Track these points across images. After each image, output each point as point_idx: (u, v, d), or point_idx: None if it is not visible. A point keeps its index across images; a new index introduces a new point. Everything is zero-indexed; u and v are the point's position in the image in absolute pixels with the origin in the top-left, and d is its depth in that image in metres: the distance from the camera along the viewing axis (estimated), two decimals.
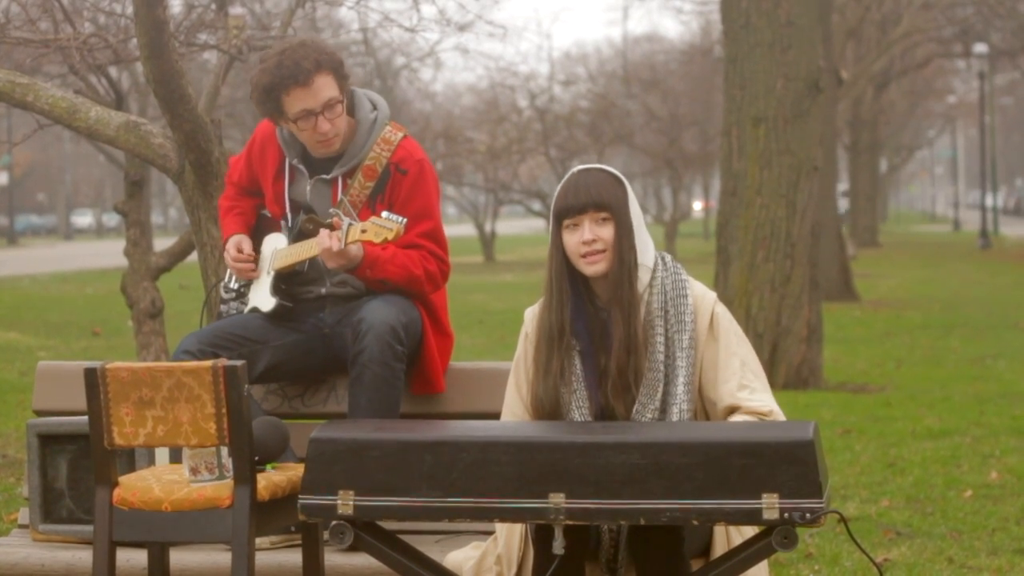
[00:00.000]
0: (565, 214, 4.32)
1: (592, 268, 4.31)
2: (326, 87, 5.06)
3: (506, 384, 4.52)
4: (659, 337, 4.31)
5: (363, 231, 4.91)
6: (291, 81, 5.03)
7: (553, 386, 4.31)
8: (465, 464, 3.91)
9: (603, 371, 4.32)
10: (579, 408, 4.31)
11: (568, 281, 4.35)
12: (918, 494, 8.05)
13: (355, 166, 5.15)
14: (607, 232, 4.30)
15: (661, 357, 4.30)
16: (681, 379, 4.29)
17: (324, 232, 5.02)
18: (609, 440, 3.91)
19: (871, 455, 9.29)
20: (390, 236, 4.87)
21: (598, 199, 4.30)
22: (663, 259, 4.40)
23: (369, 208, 5.12)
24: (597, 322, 4.35)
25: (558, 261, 4.35)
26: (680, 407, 4.28)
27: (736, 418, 4.29)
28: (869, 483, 8.38)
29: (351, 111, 5.20)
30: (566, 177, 4.40)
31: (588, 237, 4.29)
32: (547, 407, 4.33)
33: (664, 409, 4.29)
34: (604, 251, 4.30)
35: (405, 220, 4.93)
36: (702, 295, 4.39)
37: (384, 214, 4.93)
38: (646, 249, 4.36)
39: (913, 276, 29.57)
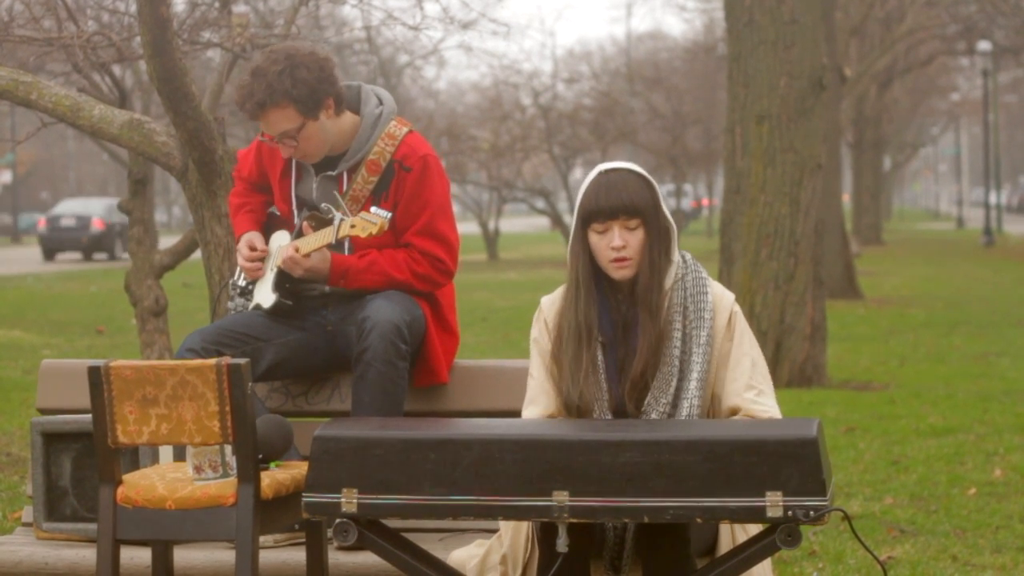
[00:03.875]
0: (594, 217, 4.30)
1: (620, 273, 4.31)
2: (280, 120, 5.05)
3: (510, 382, 4.52)
4: (676, 333, 4.32)
5: (352, 226, 4.93)
6: (243, 111, 5.06)
7: (584, 383, 4.30)
8: (469, 462, 3.91)
9: (622, 364, 4.33)
10: (599, 401, 4.31)
11: (595, 282, 4.35)
12: (922, 492, 8.04)
13: (358, 161, 5.15)
14: (636, 239, 4.29)
15: (677, 352, 4.31)
16: (695, 375, 4.31)
17: (288, 244, 5.06)
18: (613, 438, 3.91)
19: (875, 453, 9.29)
20: (374, 231, 4.88)
21: (630, 205, 4.28)
22: (684, 257, 4.41)
23: (372, 204, 5.12)
24: (619, 315, 4.36)
25: (584, 262, 4.33)
26: (691, 403, 4.30)
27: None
28: (873, 481, 8.38)
29: (356, 108, 5.20)
30: (592, 176, 4.35)
31: (618, 243, 4.29)
32: (575, 402, 4.32)
33: (676, 404, 4.30)
34: (632, 257, 4.30)
35: (390, 215, 4.93)
36: (721, 294, 4.40)
37: (373, 209, 4.95)
38: (675, 247, 4.38)
39: (917, 274, 29.55)
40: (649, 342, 4.29)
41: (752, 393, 4.34)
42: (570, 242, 4.39)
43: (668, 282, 4.34)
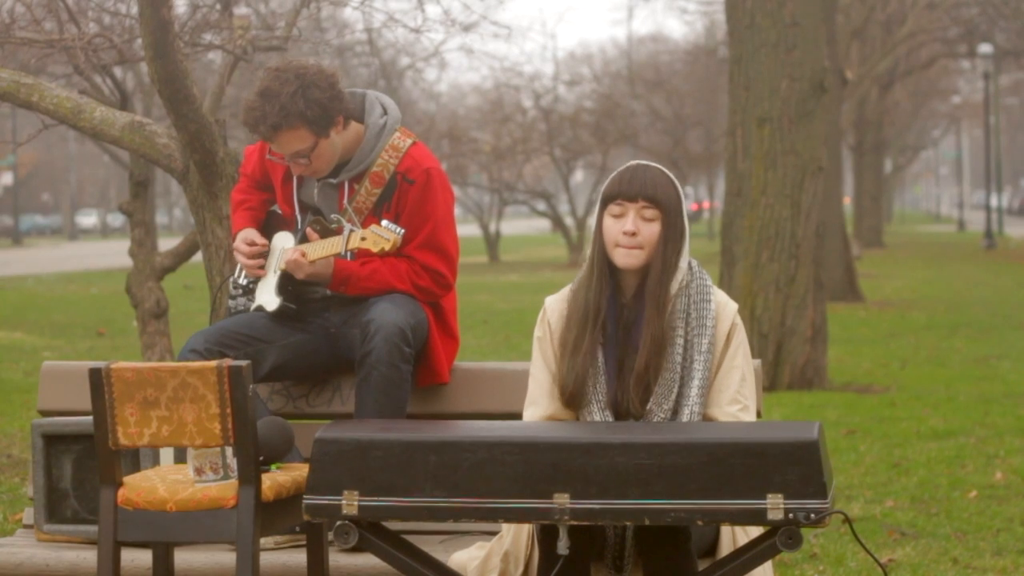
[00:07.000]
0: (614, 197, 4.30)
1: (625, 260, 4.30)
2: (293, 141, 5.03)
3: (511, 385, 4.52)
4: (679, 339, 4.32)
5: (362, 239, 4.92)
6: (255, 133, 5.04)
7: (581, 365, 4.30)
8: (470, 464, 3.91)
9: (621, 365, 4.33)
10: (597, 399, 4.31)
11: (608, 267, 4.34)
12: (923, 494, 8.05)
13: (362, 172, 5.15)
14: (650, 229, 4.30)
15: (679, 359, 4.31)
16: (696, 382, 4.31)
17: (294, 248, 5.05)
18: (614, 440, 3.91)
19: (876, 455, 9.29)
20: (387, 247, 4.87)
21: (652, 192, 4.29)
22: (690, 265, 4.41)
23: (374, 216, 5.11)
24: (623, 315, 4.36)
25: (600, 244, 4.33)
26: (692, 409, 4.30)
27: None
28: (874, 483, 8.38)
29: (360, 116, 5.19)
30: (623, 167, 4.37)
31: (630, 228, 4.28)
32: (571, 387, 4.32)
33: (676, 410, 4.30)
34: (642, 247, 4.30)
35: (403, 231, 4.93)
36: (724, 303, 4.40)
37: (384, 223, 4.93)
38: (686, 253, 4.38)
39: (918, 276, 29.54)
40: (653, 337, 4.28)
41: (736, 407, 4.35)
42: (594, 226, 4.37)
43: (674, 287, 4.34)
